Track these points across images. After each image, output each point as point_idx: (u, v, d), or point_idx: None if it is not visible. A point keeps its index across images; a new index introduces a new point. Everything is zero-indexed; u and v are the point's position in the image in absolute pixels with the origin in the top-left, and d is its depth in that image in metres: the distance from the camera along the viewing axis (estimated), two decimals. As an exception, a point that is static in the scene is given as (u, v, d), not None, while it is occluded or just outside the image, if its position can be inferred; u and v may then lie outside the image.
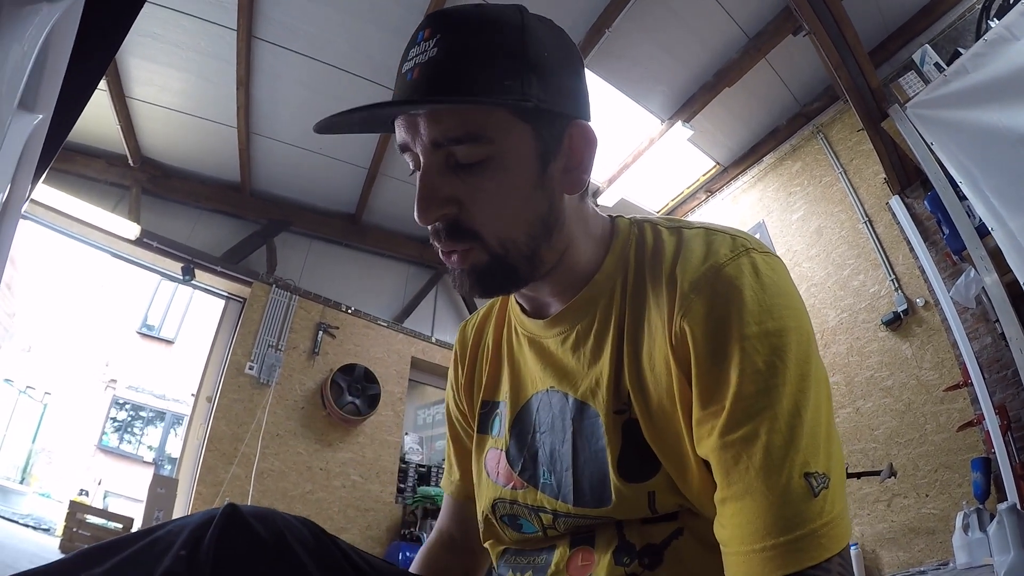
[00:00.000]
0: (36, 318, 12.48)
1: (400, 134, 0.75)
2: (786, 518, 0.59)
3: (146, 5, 3.87)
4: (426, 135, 0.72)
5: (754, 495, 0.61)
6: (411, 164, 0.77)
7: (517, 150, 0.74)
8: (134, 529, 4.32)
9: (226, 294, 6.01)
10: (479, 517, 0.98)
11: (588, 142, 0.81)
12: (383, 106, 0.70)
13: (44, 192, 4.85)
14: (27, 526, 5.58)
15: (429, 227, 0.74)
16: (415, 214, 0.73)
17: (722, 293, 0.70)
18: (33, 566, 0.66)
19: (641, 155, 5.50)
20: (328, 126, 0.74)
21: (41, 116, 0.76)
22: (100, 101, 4.86)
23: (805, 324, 0.70)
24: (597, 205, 0.90)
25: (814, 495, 0.60)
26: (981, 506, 3.32)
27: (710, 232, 0.79)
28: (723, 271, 0.72)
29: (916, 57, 3.70)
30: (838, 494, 0.62)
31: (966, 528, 3.27)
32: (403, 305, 6.99)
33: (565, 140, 0.79)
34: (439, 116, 0.71)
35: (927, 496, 3.86)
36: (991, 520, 2.87)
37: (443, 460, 1.15)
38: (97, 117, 5.04)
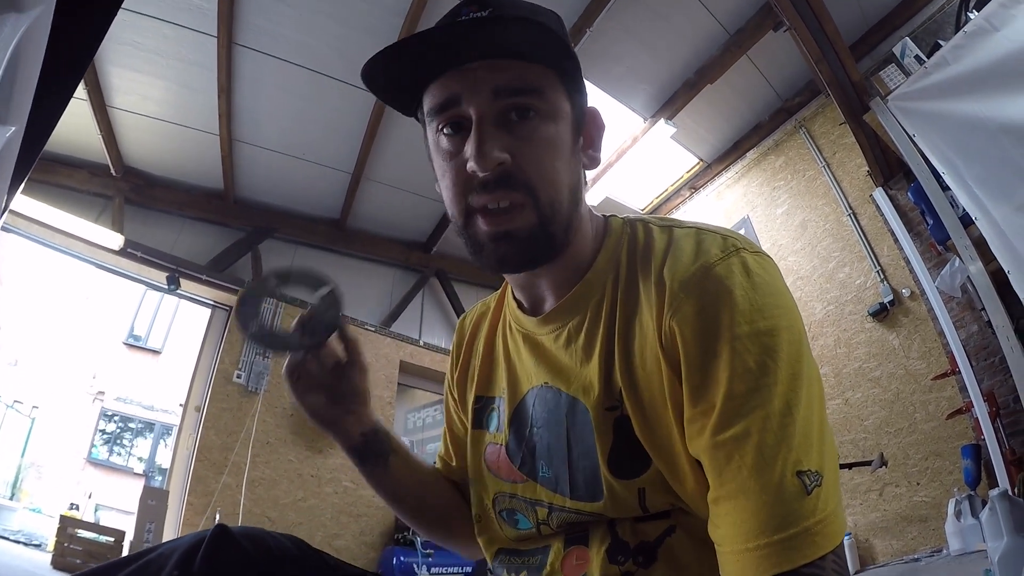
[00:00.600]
0: (21, 332, 12.37)
1: (448, 87, 0.76)
2: (780, 516, 0.59)
3: (126, 13, 3.83)
4: (487, 83, 0.74)
5: (747, 494, 0.61)
6: (445, 128, 0.78)
7: (562, 113, 0.79)
8: (125, 542, 4.29)
9: (212, 302, 5.97)
10: (474, 511, 0.99)
11: (599, 126, 0.90)
12: (455, 28, 0.71)
13: (26, 204, 4.80)
14: (18, 542, 5.52)
15: (480, 176, 0.73)
16: (472, 161, 0.72)
17: (712, 293, 0.70)
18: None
19: (624, 153, 5.51)
20: (377, 63, 0.75)
21: (14, 128, 0.75)
22: (81, 111, 4.82)
23: (796, 323, 0.70)
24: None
25: (807, 493, 0.60)
26: (972, 492, 3.35)
27: (701, 232, 0.79)
28: (713, 271, 0.71)
29: (896, 50, 3.73)
30: (831, 492, 0.62)
31: (958, 515, 3.30)
32: (390, 309, 6.96)
33: (585, 119, 0.86)
34: (501, 66, 0.74)
35: (919, 484, 3.89)
36: (983, 506, 2.89)
37: (434, 463, 1.15)
38: (78, 127, 4.99)
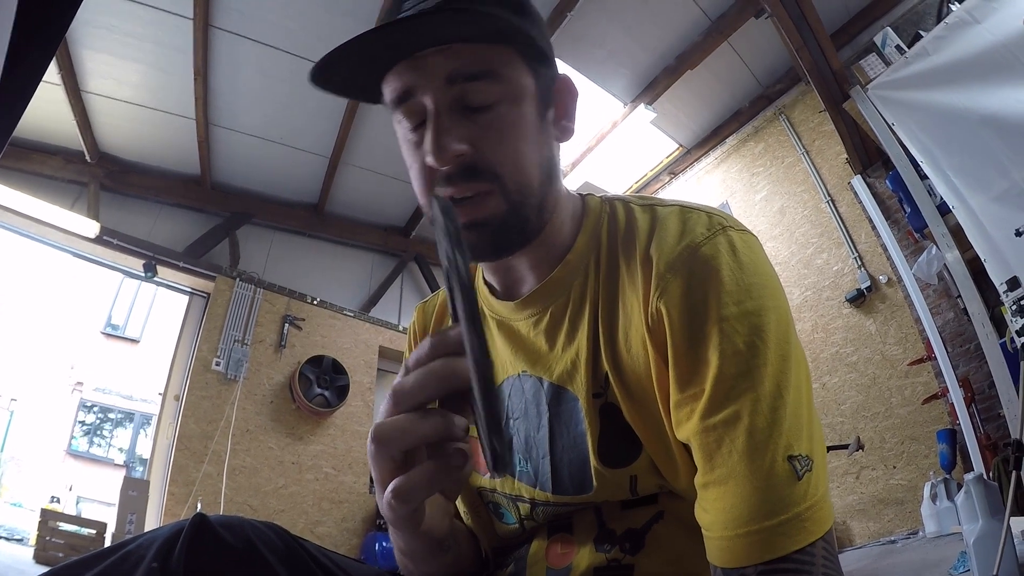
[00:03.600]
0: (-3, 323, 12.21)
1: (402, 79, 0.72)
2: (770, 502, 0.58)
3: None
4: (440, 71, 0.70)
5: (737, 479, 0.60)
6: (406, 119, 0.74)
7: (524, 91, 0.75)
8: (107, 534, 4.26)
9: (190, 290, 5.92)
10: (463, 508, 0.95)
11: (572, 93, 0.84)
12: (400, 24, 0.66)
13: (-1, 192, 4.72)
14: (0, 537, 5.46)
15: (441, 170, 0.70)
16: (429, 156, 0.69)
17: (699, 273, 0.68)
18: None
19: (604, 138, 5.51)
20: (326, 68, 0.70)
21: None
22: (55, 96, 4.73)
23: (783, 303, 0.69)
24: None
25: (798, 478, 0.59)
26: (948, 476, 3.40)
27: (685, 210, 0.77)
28: (700, 250, 0.70)
29: (877, 39, 3.75)
30: (821, 476, 0.61)
31: (934, 498, 3.35)
32: (369, 294, 6.95)
33: (555, 89, 0.81)
34: (454, 51, 0.70)
35: (895, 467, 3.94)
36: (958, 489, 2.93)
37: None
38: (52, 113, 4.90)
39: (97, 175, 5.50)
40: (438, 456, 0.52)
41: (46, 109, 4.84)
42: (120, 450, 13.56)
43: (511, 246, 0.77)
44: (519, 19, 0.74)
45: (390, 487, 0.51)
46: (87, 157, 5.39)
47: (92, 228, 5.13)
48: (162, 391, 5.58)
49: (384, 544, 5.21)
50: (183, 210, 6.00)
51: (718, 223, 0.74)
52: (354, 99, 0.79)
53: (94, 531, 4.31)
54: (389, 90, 0.74)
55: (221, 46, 4.61)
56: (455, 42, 0.70)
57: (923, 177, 3.36)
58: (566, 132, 0.84)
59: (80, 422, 13.28)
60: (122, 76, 4.79)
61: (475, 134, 0.71)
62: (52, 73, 4.50)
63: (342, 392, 5.80)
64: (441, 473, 0.51)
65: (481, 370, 0.47)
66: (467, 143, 0.70)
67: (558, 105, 0.82)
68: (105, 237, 5.23)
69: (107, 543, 4.20)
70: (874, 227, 4.27)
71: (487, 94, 0.71)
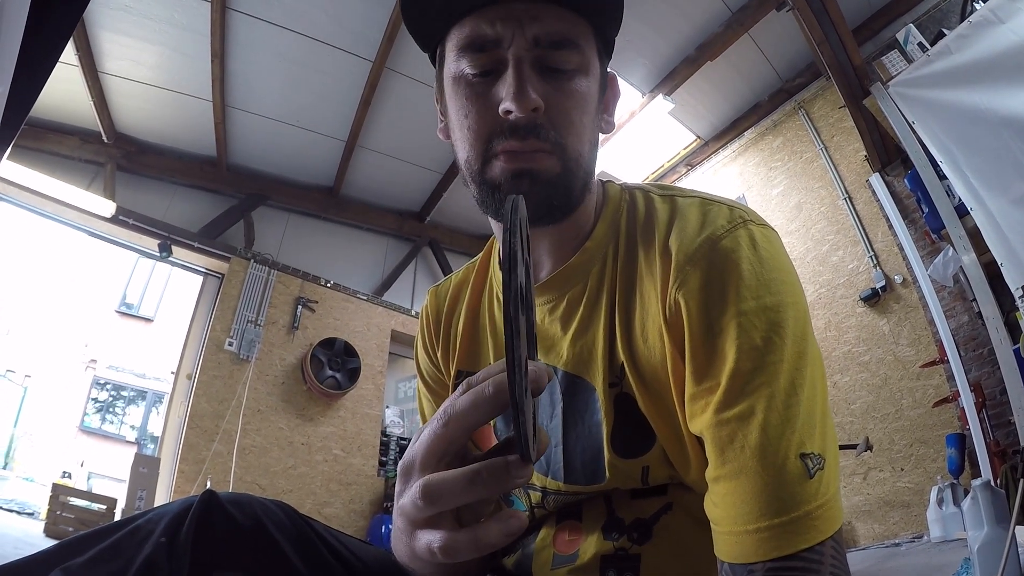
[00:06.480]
0: (13, 301, 12.32)
1: (486, 24, 0.72)
2: (781, 499, 0.58)
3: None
4: (530, 30, 0.71)
5: (749, 475, 0.60)
6: (471, 65, 0.74)
7: (594, 71, 0.77)
8: (117, 509, 4.31)
9: (204, 270, 5.96)
10: None
11: (616, 93, 0.87)
12: None
13: (17, 171, 4.77)
14: (11, 511, 5.54)
15: (510, 119, 0.70)
16: (510, 100, 0.69)
17: (719, 266, 0.68)
18: (17, 552, 0.65)
19: (621, 128, 5.46)
20: None
21: (-1, 90, 0.73)
22: (72, 77, 4.75)
23: (801, 300, 0.69)
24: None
25: (809, 476, 0.59)
26: (955, 481, 3.38)
27: (706, 202, 0.77)
28: (720, 243, 0.70)
29: (900, 36, 3.70)
30: (832, 475, 0.61)
31: (940, 502, 3.33)
32: (382, 278, 6.96)
33: (607, 85, 0.84)
34: (545, 13, 0.71)
35: (902, 470, 3.92)
36: (965, 495, 2.92)
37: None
38: (70, 93, 4.93)
39: (114, 155, 5.53)
40: (496, 518, 0.45)
41: (63, 89, 4.87)
42: (132, 427, 13.70)
43: (555, 207, 0.75)
44: (608, 11, 0.76)
45: (439, 542, 0.45)
46: (104, 137, 5.43)
47: (108, 208, 5.17)
48: (175, 370, 5.64)
49: (391, 527, 5.24)
50: (199, 191, 6.04)
51: (739, 216, 0.74)
52: (414, 26, 0.78)
53: (104, 506, 4.37)
54: (465, 31, 0.74)
55: (239, 28, 4.61)
56: (552, 2, 0.72)
57: (942, 177, 3.32)
58: (608, 126, 0.85)
59: (93, 399, 13.42)
60: (139, 57, 4.80)
61: (549, 96, 0.72)
62: (69, 54, 4.53)
63: (353, 375, 5.83)
64: (495, 538, 0.44)
65: (516, 401, 0.40)
66: (543, 100, 0.71)
67: (605, 99, 0.83)
68: (121, 217, 5.27)
69: (117, 519, 4.26)
70: (891, 226, 4.23)
71: (567, 62, 0.73)
